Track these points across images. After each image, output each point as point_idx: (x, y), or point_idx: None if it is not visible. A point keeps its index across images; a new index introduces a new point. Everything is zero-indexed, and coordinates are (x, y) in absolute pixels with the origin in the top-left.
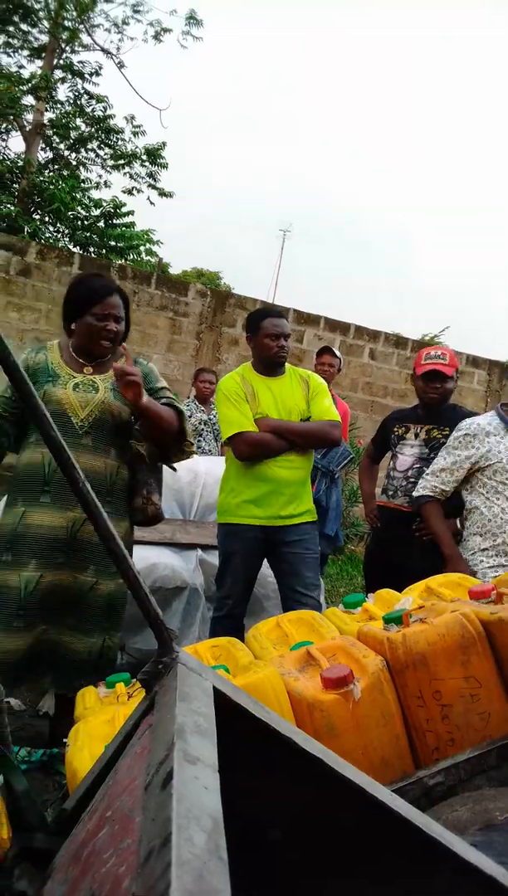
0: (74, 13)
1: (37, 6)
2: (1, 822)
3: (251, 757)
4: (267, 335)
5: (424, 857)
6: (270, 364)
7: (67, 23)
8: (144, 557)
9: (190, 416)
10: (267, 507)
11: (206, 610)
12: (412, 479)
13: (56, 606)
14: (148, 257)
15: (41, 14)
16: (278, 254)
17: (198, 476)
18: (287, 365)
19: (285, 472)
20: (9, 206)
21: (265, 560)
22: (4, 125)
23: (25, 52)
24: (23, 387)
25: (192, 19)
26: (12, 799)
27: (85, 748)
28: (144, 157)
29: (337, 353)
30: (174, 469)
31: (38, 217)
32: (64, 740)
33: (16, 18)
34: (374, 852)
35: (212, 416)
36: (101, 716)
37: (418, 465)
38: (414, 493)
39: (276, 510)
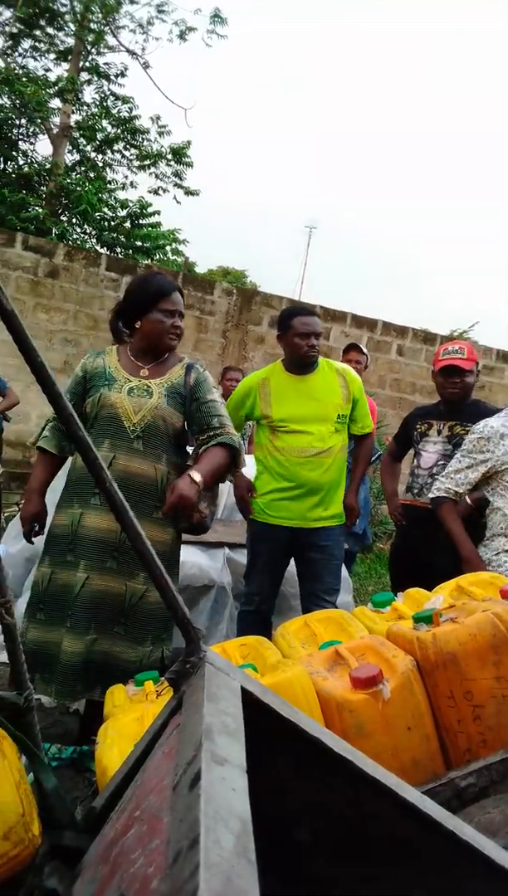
0: (100, 15)
1: (63, 10)
2: (32, 819)
3: (279, 757)
4: (297, 334)
5: (455, 860)
6: (300, 363)
7: (92, 25)
8: None
9: None
10: (296, 508)
11: (233, 608)
12: (436, 477)
13: (106, 614)
14: (174, 257)
15: (67, 17)
16: (305, 251)
17: None
18: (320, 359)
19: (315, 474)
20: (37, 208)
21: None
22: (32, 128)
23: (52, 56)
24: (49, 384)
25: (217, 17)
26: (42, 797)
27: (114, 746)
28: (170, 157)
29: (364, 349)
30: (232, 481)
31: (65, 219)
32: (93, 737)
33: (42, 22)
34: (404, 854)
35: None
36: (130, 714)
37: (442, 462)
38: (430, 495)
39: (304, 512)
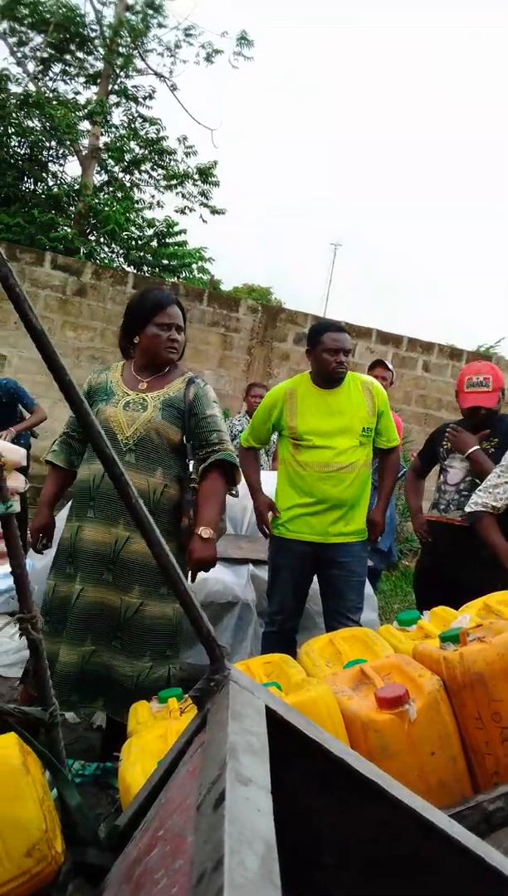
0: (129, 39)
1: (93, 35)
2: (56, 836)
3: (304, 777)
4: (326, 349)
5: (483, 887)
6: (328, 378)
7: (121, 49)
8: None
9: (241, 431)
10: (317, 523)
11: (258, 625)
12: (464, 493)
13: (103, 626)
14: (200, 275)
15: (97, 42)
16: (330, 268)
17: None
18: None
19: (337, 490)
20: (65, 228)
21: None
22: (61, 150)
23: (81, 79)
24: (76, 401)
25: (243, 40)
26: (66, 813)
27: (138, 763)
28: (196, 177)
29: (389, 365)
30: (235, 495)
31: (93, 238)
32: (116, 754)
33: (73, 47)
34: (430, 879)
35: None
36: (153, 731)
37: (469, 478)
38: (466, 509)
39: (325, 527)
